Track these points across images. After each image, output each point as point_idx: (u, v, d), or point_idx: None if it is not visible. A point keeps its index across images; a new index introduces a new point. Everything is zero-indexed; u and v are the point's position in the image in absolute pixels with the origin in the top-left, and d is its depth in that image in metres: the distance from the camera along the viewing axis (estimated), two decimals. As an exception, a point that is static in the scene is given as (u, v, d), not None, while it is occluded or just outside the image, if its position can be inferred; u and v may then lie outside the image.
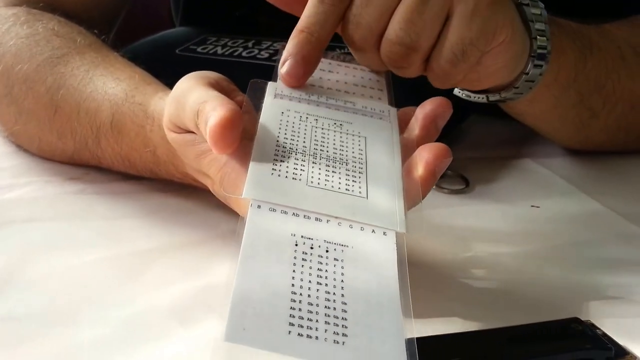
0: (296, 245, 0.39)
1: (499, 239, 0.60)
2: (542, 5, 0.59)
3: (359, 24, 0.51)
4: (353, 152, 0.47)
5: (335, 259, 0.39)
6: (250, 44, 0.82)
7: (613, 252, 0.59)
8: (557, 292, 0.53)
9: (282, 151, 0.45)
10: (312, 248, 0.39)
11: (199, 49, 0.83)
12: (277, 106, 0.50)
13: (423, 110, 0.49)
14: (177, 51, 0.83)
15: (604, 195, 0.68)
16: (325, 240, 0.40)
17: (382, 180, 0.45)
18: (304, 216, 0.41)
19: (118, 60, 0.66)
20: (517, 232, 0.62)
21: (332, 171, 0.45)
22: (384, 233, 0.41)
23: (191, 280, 0.51)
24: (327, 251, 0.39)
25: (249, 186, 0.42)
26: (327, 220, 0.41)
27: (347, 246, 0.40)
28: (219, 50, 0.82)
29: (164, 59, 0.82)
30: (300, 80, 0.52)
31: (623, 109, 0.72)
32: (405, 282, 0.38)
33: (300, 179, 0.43)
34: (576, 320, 0.45)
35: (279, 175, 0.43)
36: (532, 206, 0.66)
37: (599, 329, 0.44)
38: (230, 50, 0.81)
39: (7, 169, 0.68)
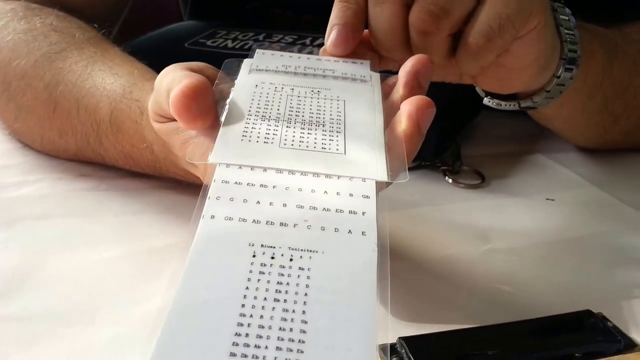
0: (254, 256, 0.34)
1: (516, 232, 0.61)
2: (569, 11, 0.59)
3: None
4: (331, 115, 0.45)
5: (301, 268, 0.34)
6: (261, 37, 0.82)
7: (626, 244, 0.60)
8: (571, 283, 0.53)
9: (255, 119, 0.44)
10: (273, 258, 0.34)
11: (208, 43, 0.83)
12: (251, 79, 0.48)
13: (404, 69, 0.48)
14: (186, 44, 0.83)
15: (616, 188, 0.69)
16: (290, 248, 0.35)
17: (362, 137, 0.43)
18: (266, 222, 0.36)
19: (118, 55, 0.66)
20: (534, 224, 0.63)
21: (308, 133, 0.43)
22: (363, 233, 0.36)
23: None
24: (291, 260, 0.34)
25: (216, 151, 0.40)
26: (295, 225, 0.36)
27: (317, 252, 0.35)
28: (229, 44, 0.82)
29: (173, 53, 0.81)
30: (347, 47, 0.52)
31: None
32: (386, 288, 0.34)
33: (272, 142, 0.42)
34: (588, 312, 0.45)
35: (249, 140, 0.41)
36: (547, 199, 0.67)
37: (610, 321, 0.44)
38: (241, 44, 0.81)
39: (16, 165, 0.67)
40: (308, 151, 0.41)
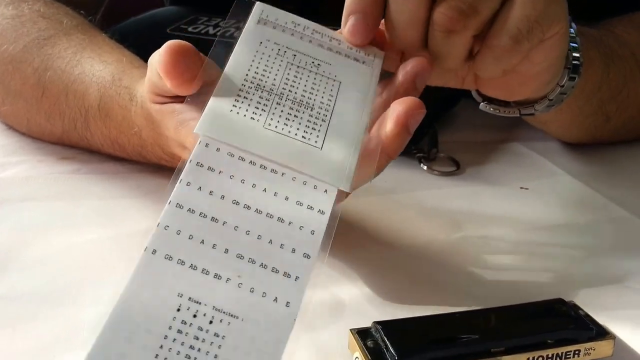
0: (178, 310, 0.35)
1: (489, 220, 0.61)
2: (570, 18, 0.56)
3: None
4: (322, 98, 0.46)
5: (216, 335, 0.34)
6: (242, 25, 0.82)
7: (598, 234, 0.60)
8: (544, 272, 0.54)
9: (249, 86, 0.44)
10: (194, 317, 0.35)
11: (190, 29, 0.83)
12: (257, 34, 0.48)
13: (404, 68, 0.48)
14: (167, 30, 0.83)
15: (590, 177, 0.70)
16: (214, 307, 0.35)
17: (343, 132, 0.44)
18: (202, 270, 0.36)
19: (106, 42, 0.66)
20: (507, 212, 0.63)
21: (295, 115, 0.44)
22: (287, 304, 0.36)
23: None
24: (210, 322, 0.35)
25: (201, 122, 0.41)
26: (227, 280, 0.36)
27: (237, 318, 0.35)
28: (211, 30, 0.82)
29: (154, 39, 0.79)
30: (366, 37, 0.49)
31: (632, 113, 0.73)
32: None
33: (258, 120, 0.43)
34: (560, 301, 0.46)
35: (237, 113, 0.42)
36: (521, 188, 0.67)
37: (581, 309, 0.45)
38: (222, 31, 0.81)
39: (-1, 147, 0.68)
40: (289, 138, 0.42)
